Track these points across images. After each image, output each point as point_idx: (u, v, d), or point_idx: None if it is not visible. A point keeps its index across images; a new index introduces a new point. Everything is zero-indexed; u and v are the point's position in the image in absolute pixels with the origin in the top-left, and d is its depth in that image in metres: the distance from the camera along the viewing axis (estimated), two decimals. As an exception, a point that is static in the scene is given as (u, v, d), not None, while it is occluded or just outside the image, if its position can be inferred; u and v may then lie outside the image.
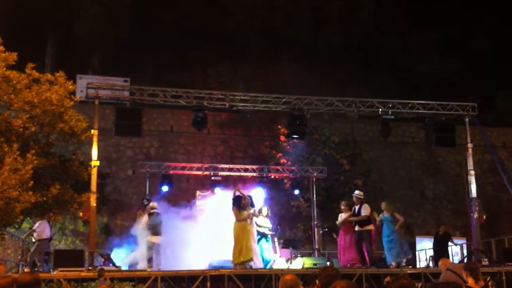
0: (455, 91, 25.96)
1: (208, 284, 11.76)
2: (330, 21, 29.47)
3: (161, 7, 29.09)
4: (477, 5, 31.07)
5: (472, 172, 16.37)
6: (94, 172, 13.99)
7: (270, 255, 14.62)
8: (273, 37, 29.46)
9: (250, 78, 26.76)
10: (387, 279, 10.22)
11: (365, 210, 14.05)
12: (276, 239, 15.52)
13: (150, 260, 13.62)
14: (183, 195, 19.93)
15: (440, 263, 9.62)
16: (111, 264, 13.20)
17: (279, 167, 20.25)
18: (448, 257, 16.50)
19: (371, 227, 14.15)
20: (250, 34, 29.33)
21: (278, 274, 11.84)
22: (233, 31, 29.17)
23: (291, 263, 14.81)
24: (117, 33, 27.89)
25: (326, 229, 20.15)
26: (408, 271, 12.83)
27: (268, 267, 13.91)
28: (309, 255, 17.01)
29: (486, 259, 14.92)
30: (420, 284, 12.68)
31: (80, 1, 27.82)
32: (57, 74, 14.33)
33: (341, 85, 26.28)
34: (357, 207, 14.28)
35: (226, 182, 18.81)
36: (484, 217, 16.24)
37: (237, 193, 13.86)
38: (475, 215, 15.79)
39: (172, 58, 28.74)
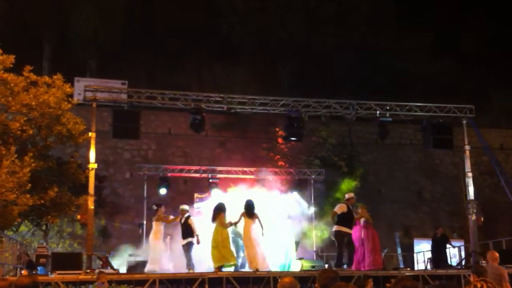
0: (452, 93, 26.00)
1: (206, 287, 11.75)
2: (325, 23, 29.46)
3: (155, 10, 29.07)
4: (473, 5, 31.14)
5: (470, 174, 16.35)
6: (91, 174, 13.96)
7: None
8: (267, 39, 29.45)
9: (245, 79, 26.74)
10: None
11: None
12: None
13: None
14: (181, 198, 19.89)
15: (488, 256, 9.40)
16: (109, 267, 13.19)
17: (277, 169, 20.23)
18: (446, 259, 16.51)
19: None
20: (244, 36, 29.32)
21: (277, 277, 11.83)
22: (227, 33, 29.17)
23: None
24: (112, 36, 27.89)
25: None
26: (407, 273, 12.84)
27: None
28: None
29: (483, 261, 14.89)
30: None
31: (74, 3, 27.78)
32: (55, 77, 14.33)
33: (337, 86, 26.29)
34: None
35: (224, 184, 18.78)
36: (482, 219, 16.21)
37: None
38: (473, 217, 15.76)
39: (167, 60, 28.72)
